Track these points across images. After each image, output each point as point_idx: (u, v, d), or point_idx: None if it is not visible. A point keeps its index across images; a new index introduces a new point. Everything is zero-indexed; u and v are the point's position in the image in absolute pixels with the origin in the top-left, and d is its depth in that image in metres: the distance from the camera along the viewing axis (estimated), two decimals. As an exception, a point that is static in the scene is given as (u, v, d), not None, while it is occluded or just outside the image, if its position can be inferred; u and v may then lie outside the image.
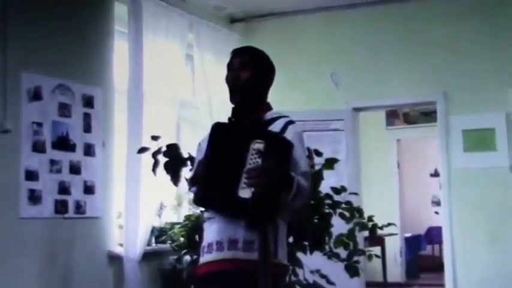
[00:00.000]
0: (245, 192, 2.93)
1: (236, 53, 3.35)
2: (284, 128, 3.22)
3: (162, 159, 5.13)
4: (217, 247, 3.16)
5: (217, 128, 3.17)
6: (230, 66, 3.33)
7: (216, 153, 3.10)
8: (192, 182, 3.34)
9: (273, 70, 3.41)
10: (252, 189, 2.91)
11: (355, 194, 6.05)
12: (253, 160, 2.96)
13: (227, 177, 3.01)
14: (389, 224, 6.00)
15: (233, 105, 3.32)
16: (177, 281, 6.42)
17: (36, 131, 5.46)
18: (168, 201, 6.90)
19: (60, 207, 5.64)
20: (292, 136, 3.16)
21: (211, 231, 3.20)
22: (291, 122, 3.27)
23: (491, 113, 7.38)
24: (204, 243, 3.24)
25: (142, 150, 5.49)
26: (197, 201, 3.23)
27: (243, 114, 3.28)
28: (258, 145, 2.97)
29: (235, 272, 3.14)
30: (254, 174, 2.91)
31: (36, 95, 5.48)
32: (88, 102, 5.96)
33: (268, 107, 3.38)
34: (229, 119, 3.33)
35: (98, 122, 6.06)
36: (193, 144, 3.73)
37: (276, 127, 3.22)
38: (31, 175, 5.40)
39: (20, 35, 5.37)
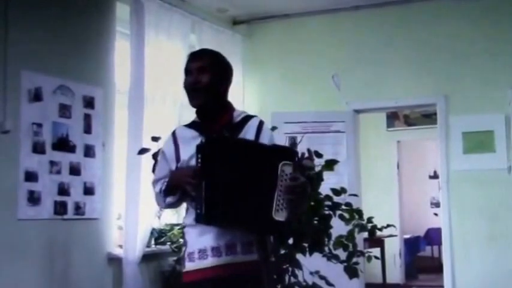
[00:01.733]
0: (281, 215, 3.02)
1: (193, 57, 3.35)
2: (259, 130, 3.30)
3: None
4: (213, 253, 3.16)
5: (208, 144, 3.14)
6: (188, 70, 3.33)
7: (219, 172, 3.09)
8: (165, 192, 3.31)
9: (231, 70, 3.42)
10: (286, 211, 3.02)
11: (355, 195, 6.05)
12: (283, 182, 3.03)
13: (257, 198, 3.06)
14: (388, 226, 6.00)
15: (196, 108, 3.35)
16: (177, 282, 6.42)
17: (36, 132, 5.46)
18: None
19: (60, 208, 5.64)
20: (269, 136, 3.30)
21: (204, 237, 3.18)
22: (262, 122, 3.35)
23: (491, 115, 7.39)
24: (191, 249, 3.22)
25: (143, 151, 5.49)
26: (202, 219, 3.12)
27: (209, 116, 3.31)
28: (287, 168, 3.05)
29: (233, 277, 3.16)
30: (295, 198, 3.03)
31: (36, 96, 5.47)
32: (88, 103, 5.96)
33: (232, 107, 3.40)
34: (195, 121, 3.38)
35: (98, 123, 6.05)
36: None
37: (251, 129, 3.29)
38: (31, 176, 5.40)
39: (21, 35, 5.37)
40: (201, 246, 3.18)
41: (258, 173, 3.09)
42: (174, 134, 3.43)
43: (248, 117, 3.36)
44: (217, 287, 3.16)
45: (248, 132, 3.28)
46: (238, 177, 3.09)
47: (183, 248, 3.31)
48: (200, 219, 3.11)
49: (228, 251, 3.16)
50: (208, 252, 3.17)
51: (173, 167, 3.32)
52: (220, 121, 3.30)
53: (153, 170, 5.15)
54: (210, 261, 3.16)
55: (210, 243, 3.17)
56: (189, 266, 3.22)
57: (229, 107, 3.38)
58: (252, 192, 3.08)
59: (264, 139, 3.27)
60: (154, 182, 3.43)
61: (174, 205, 3.42)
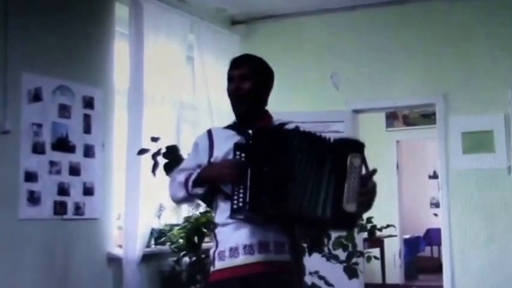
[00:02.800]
0: (351, 206, 3.05)
1: (235, 65, 3.36)
2: None
3: (162, 160, 5.14)
4: (246, 251, 3.14)
5: (258, 133, 3.13)
6: (230, 77, 3.35)
7: (268, 163, 3.07)
8: (195, 182, 3.28)
9: (272, 75, 3.43)
10: (356, 203, 3.06)
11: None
12: (353, 175, 3.07)
13: (317, 190, 3.06)
14: (388, 226, 6.02)
15: (237, 115, 3.36)
16: (176, 282, 6.43)
17: (36, 132, 5.46)
18: (168, 203, 6.89)
19: (59, 208, 5.64)
20: None
21: (236, 235, 3.16)
22: (297, 126, 3.32)
23: (490, 115, 7.40)
24: (222, 248, 3.20)
25: (142, 151, 5.50)
26: (247, 208, 3.07)
27: (248, 122, 3.28)
28: (357, 160, 3.10)
29: (265, 276, 3.15)
30: (368, 191, 3.10)
31: (36, 96, 5.47)
32: (88, 103, 5.96)
33: (269, 114, 3.42)
34: (232, 125, 3.37)
35: (98, 123, 6.06)
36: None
37: None
38: (30, 176, 5.40)
39: (21, 35, 5.37)
40: (233, 245, 3.17)
41: (317, 164, 3.10)
42: (209, 131, 3.42)
43: (284, 123, 3.34)
44: (248, 285, 3.14)
45: None
46: (291, 168, 3.07)
47: (212, 248, 3.28)
48: (238, 212, 3.08)
49: (261, 249, 3.15)
50: (240, 250, 3.15)
51: (205, 161, 3.31)
52: (259, 125, 3.28)
53: (153, 170, 5.19)
54: (241, 259, 3.14)
55: (243, 241, 3.15)
56: (218, 264, 3.20)
57: (268, 114, 3.41)
58: (311, 183, 3.07)
59: None
60: (179, 171, 3.41)
61: (194, 198, 3.41)
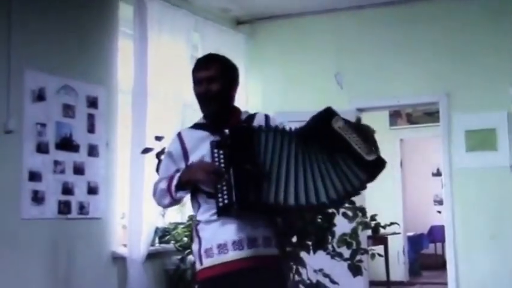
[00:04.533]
0: (372, 155, 3.19)
1: (200, 67, 3.40)
2: (267, 120, 3.38)
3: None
4: (235, 246, 3.17)
5: (237, 133, 3.19)
6: (198, 80, 3.38)
7: (249, 159, 3.12)
8: (177, 187, 3.29)
9: (238, 72, 3.48)
10: (371, 149, 3.20)
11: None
12: (348, 134, 3.20)
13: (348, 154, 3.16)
14: (392, 223, 6.02)
15: (207, 115, 3.41)
16: (181, 281, 6.44)
17: (39, 132, 5.46)
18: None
19: (64, 207, 5.64)
20: (279, 122, 3.32)
21: (223, 232, 3.19)
22: (267, 114, 3.44)
23: (493, 113, 7.40)
24: (208, 245, 3.23)
25: (146, 150, 5.51)
26: (237, 206, 3.11)
27: (219, 120, 3.34)
28: (338, 121, 3.23)
29: (256, 270, 3.19)
30: (372, 138, 3.22)
31: (40, 96, 5.48)
32: (92, 102, 5.97)
33: (238, 109, 3.47)
34: (201, 123, 3.45)
35: (102, 122, 6.07)
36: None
37: (259, 122, 3.34)
38: (34, 176, 5.40)
39: (24, 35, 5.38)
40: (220, 241, 3.20)
41: (308, 148, 3.17)
42: (179, 135, 3.45)
43: (252, 115, 3.42)
44: (240, 280, 3.18)
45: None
46: (278, 160, 3.13)
47: (195, 246, 3.31)
48: (226, 210, 3.12)
49: (250, 244, 3.19)
50: (228, 247, 3.18)
51: (182, 166, 3.33)
52: (230, 122, 3.33)
53: (157, 170, 5.19)
54: (231, 255, 3.18)
55: (231, 237, 3.18)
56: (207, 262, 3.23)
57: (237, 109, 3.46)
58: (308, 168, 3.15)
59: (275, 124, 3.32)
60: (158, 182, 3.43)
61: (180, 201, 3.42)
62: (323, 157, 3.16)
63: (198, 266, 3.29)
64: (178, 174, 3.30)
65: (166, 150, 3.56)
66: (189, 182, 3.26)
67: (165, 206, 3.50)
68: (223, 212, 3.14)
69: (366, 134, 3.21)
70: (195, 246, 3.32)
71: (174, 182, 3.29)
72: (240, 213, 3.16)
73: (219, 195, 3.12)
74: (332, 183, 3.13)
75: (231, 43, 7.81)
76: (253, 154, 3.11)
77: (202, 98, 3.37)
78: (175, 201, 3.39)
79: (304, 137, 3.19)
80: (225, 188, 3.11)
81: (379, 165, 3.21)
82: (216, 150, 3.15)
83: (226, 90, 3.36)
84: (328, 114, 3.25)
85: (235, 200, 3.08)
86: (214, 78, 3.33)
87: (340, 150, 3.16)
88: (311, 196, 3.11)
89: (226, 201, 3.11)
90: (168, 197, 3.35)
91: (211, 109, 3.36)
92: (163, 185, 3.36)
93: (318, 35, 8.36)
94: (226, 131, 3.17)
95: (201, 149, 3.27)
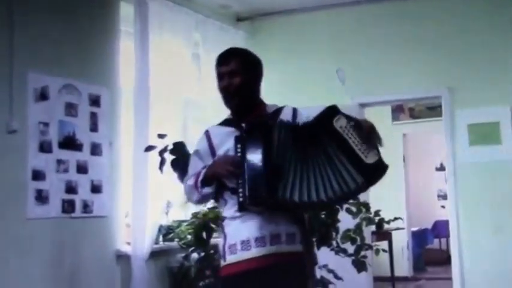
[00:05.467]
0: (372, 157, 3.18)
1: (223, 61, 3.41)
2: (295, 114, 3.44)
3: (169, 157, 5.16)
4: (257, 243, 3.17)
5: (251, 128, 3.21)
6: (220, 74, 3.40)
7: (262, 155, 3.12)
8: (202, 183, 3.32)
9: (261, 64, 3.50)
10: (371, 150, 3.18)
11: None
12: (349, 134, 3.19)
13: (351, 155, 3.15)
14: (396, 219, 6.02)
15: (231, 109, 3.43)
16: (185, 278, 6.44)
17: (42, 131, 5.47)
18: (175, 199, 6.90)
19: (67, 206, 5.65)
20: (307, 116, 3.37)
21: (246, 228, 3.20)
22: (295, 108, 3.50)
23: (496, 107, 7.39)
24: (233, 241, 3.24)
25: (149, 148, 5.52)
26: (248, 201, 3.13)
27: (244, 114, 3.37)
28: (341, 120, 3.21)
29: (278, 267, 3.18)
30: (368, 130, 3.23)
31: (42, 95, 5.48)
32: (94, 101, 5.98)
33: (263, 102, 3.49)
34: (228, 119, 3.45)
35: (105, 121, 6.07)
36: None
37: (286, 116, 3.38)
38: (38, 175, 5.40)
39: (27, 35, 5.38)
40: (244, 238, 3.20)
41: (311, 146, 3.17)
42: (207, 132, 3.48)
43: (280, 108, 3.45)
44: (262, 277, 3.17)
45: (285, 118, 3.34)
46: (288, 156, 3.13)
47: (221, 242, 3.32)
48: (243, 205, 3.14)
49: (273, 240, 3.19)
50: (251, 243, 3.18)
51: (209, 163, 3.36)
52: (255, 115, 3.36)
53: (160, 167, 5.21)
54: (254, 252, 3.18)
55: (254, 233, 3.18)
56: (230, 258, 3.23)
57: (262, 102, 3.48)
58: (316, 165, 3.14)
59: (303, 120, 3.36)
60: (187, 179, 3.46)
61: (208, 197, 3.44)
62: (322, 157, 3.16)
63: (222, 263, 3.31)
64: (204, 170, 3.34)
65: (194, 148, 3.58)
66: (213, 177, 3.29)
67: (195, 203, 3.55)
68: (243, 207, 3.16)
69: (368, 134, 3.20)
70: (221, 242, 3.34)
71: (200, 177, 3.33)
72: (264, 209, 3.17)
73: (240, 190, 3.14)
74: (329, 183, 3.12)
75: (232, 40, 7.79)
76: (265, 149, 3.11)
77: (224, 92, 3.40)
78: (204, 197, 3.42)
79: (307, 136, 3.19)
80: (241, 183, 3.14)
81: (378, 168, 3.19)
82: (238, 145, 3.18)
83: (248, 84, 3.38)
84: (330, 112, 3.24)
85: (248, 195, 3.10)
86: (235, 72, 3.35)
87: (339, 151, 3.15)
88: (321, 193, 3.11)
89: (241, 198, 3.14)
90: (196, 193, 3.39)
91: (233, 103, 3.39)
92: (191, 181, 3.40)
93: (319, 31, 8.35)
94: (243, 125, 3.22)
95: (227, 143, 3.30)
